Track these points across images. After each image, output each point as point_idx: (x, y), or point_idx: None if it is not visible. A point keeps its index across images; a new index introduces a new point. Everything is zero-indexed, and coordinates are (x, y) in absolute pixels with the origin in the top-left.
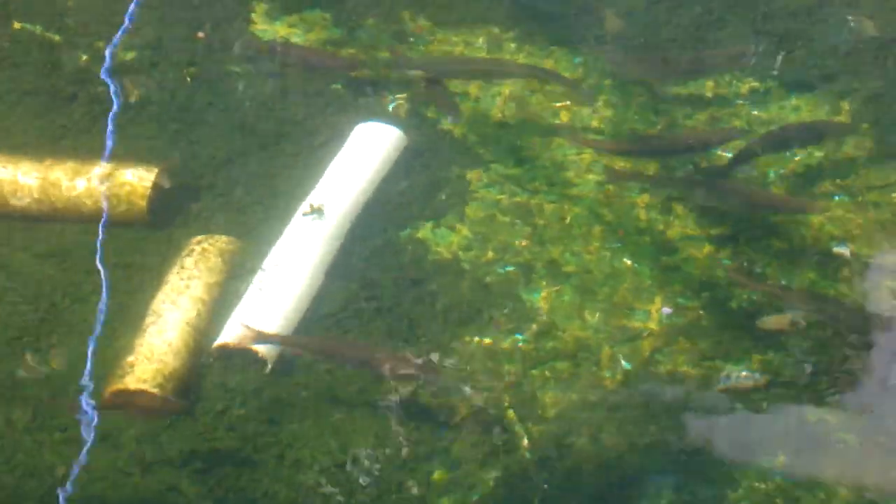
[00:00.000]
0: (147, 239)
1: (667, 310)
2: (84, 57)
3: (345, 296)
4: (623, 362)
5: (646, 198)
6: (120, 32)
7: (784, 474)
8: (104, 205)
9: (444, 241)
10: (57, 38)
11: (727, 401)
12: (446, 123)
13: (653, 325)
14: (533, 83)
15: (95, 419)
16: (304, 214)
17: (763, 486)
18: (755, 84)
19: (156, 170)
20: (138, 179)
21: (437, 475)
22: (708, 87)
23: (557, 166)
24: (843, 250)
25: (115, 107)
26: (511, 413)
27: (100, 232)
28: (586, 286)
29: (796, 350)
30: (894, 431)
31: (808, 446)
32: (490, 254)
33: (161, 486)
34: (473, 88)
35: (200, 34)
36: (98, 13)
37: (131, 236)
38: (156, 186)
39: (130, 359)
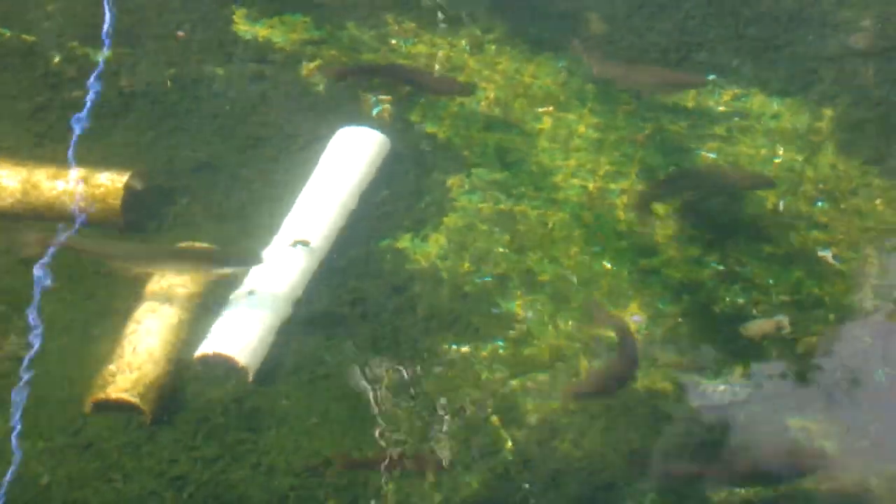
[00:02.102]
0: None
1: (636, 317)
2: (57, 60)
3: (328, 303)
4: None
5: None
6: (107, 41)
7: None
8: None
9: (422, 250)
10: (33, 40)
11: (707, 409)
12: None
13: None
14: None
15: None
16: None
17: (743, 491)
18: (737, 91)
19: (128, 172)
20: (111, 181)
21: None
22: (690, 95)
23: (545, 171)
24: (827, 254)
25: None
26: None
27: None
28: (562, 293)
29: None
30: (874, 437)
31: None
32: (467, 264)
33: (142, 492)
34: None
35: (180, 33)
36: (76, 18)
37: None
38: (128, 188)
39: (111, 368)
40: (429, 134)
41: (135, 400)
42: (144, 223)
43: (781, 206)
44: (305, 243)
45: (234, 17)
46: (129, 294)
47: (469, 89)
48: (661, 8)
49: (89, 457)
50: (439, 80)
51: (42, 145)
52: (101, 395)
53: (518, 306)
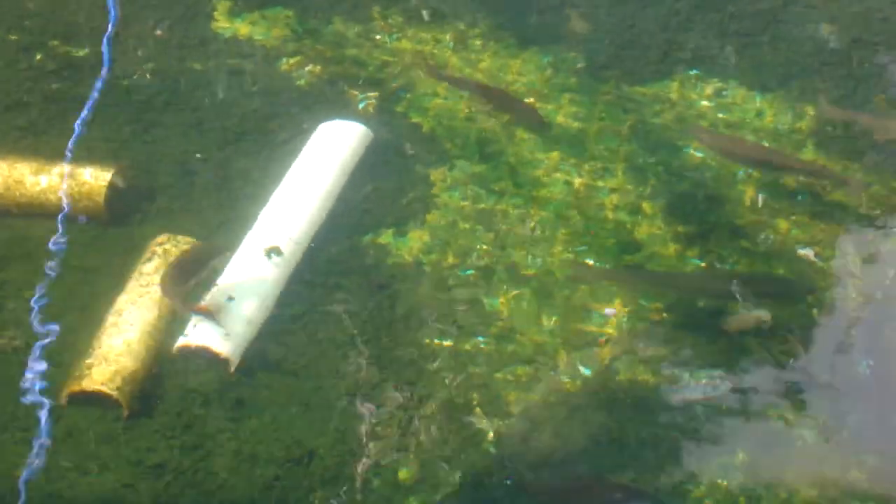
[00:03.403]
0: (107, 238)
1: (609, 311)
2: (39, 58)
3: (310, 299)
4: (581, 368)
5: (615, 198)
6: (109, 27)
7: (744, 472)
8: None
9: (406, 245)
10: (14, 38)
11: (688, 404)
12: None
13: (611, 330)
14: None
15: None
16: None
17: (725, 482)
18: (719, 85)
19: (112, 169)
20: (95, 178)
21: (403, 473)
22: (673, 88)
23: (524, 164)
24: (808, 252)
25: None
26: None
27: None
28: (546, 289)
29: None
30: (853, 429)
31: (769, 444)
32: (451, 258)
33: (117, 484)
34: (441, 89)
35: (158, 32)
36: (57, 15)
37: (91, 235)
38: (112, 185)
39: (88, 360)
40: (414, 125)
41: (112, 392)
42: (127, 217)
43: (760, 201)
44: (278, 252)
45: (214, 12)
46: (108, 285)
47: (547, 126)
48: (644, 4)
49: (65, 448)
50: (522, 109)
51: (24, 139)
52: (77, 387)
53: (501, 302)
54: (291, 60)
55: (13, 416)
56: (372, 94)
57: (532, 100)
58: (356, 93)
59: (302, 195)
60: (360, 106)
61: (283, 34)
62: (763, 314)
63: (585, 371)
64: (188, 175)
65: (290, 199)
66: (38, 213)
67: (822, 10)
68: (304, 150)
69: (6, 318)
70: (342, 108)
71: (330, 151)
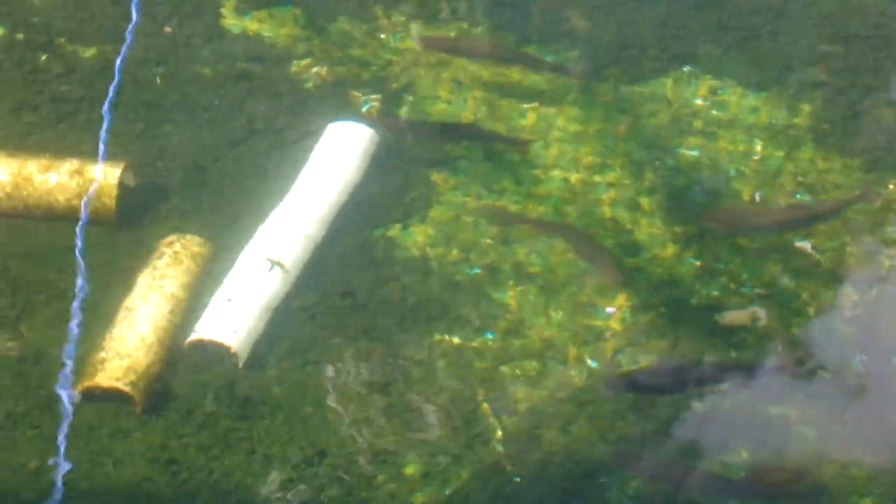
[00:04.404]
0: (117, 238)
1: (610, 309)
2: (44, 57)
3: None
4: (589, 361)
5: (612, 194)
6: (128, 40)
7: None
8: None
9: (411, 240)
10: (21, 37)
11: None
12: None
13: (614, 325)
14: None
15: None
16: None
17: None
18: (713, 82)
19: (121, 166)
20: (104, 177)
21: (409, 469)
22: (668, 87)
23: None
24: (805, 245)
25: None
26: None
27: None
28: (550, 286)
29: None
30: (854, 425)
31: (771, 440)
32: (455, 253)
33: (135, 477)
34: (443, 91)
35: (168, 28)
36: (64, 13)
37: (101, 235)
38: (121, 184)
39: (101, 355)
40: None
41: (126, 388)
42: (138, 217)
43: (758, 197)
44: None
45: (221, 10)
46: (119, 284)
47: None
48: (644, 1)
49: (80, 443)
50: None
51: (30, 139)
52: (91, 383)
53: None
54: (302, 62)
55: (25, 413)
56: (375, 96)
57: (535, 103)
58: (359, 94)
59: (316, 196)
60: (364, 108)
61: (292, 32)
62: (758, 310)
63: (592, 364)
64: (199, 175)
65: (304, 199)
66: (45, 212)
67: (819, 7)
68: (317, 152)
69: (18, 317)
70: (347, 109)
71: (343, 155)
